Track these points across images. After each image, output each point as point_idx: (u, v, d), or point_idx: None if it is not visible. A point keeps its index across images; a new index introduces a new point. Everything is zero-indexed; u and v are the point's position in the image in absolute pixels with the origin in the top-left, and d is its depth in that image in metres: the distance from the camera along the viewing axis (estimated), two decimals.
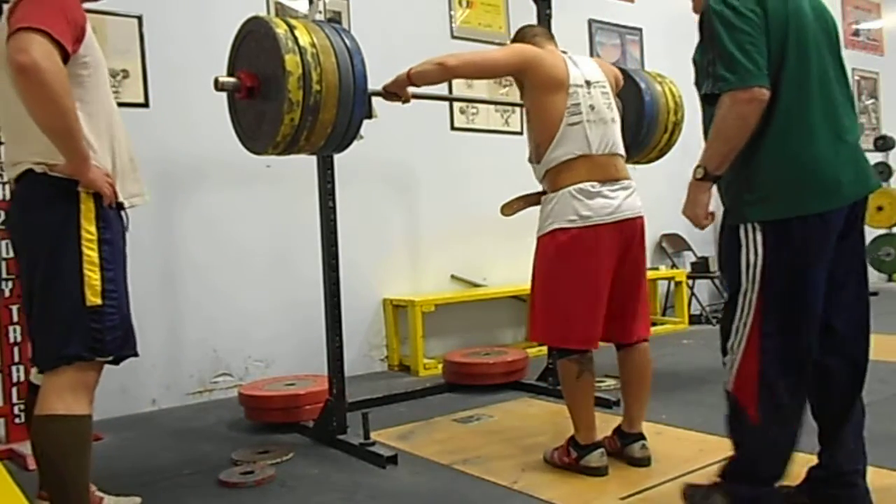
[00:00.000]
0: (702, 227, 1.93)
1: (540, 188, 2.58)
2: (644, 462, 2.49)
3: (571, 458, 2.46)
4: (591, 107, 2.43)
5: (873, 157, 7.59)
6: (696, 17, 1.91)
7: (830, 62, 1.87)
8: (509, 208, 2.69)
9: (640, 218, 2.49)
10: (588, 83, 2.46)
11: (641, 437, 2.53)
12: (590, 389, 2.48)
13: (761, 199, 1.81)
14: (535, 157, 2.52)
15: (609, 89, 2.53)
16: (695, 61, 1.94)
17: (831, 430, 1.95)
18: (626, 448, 2.54)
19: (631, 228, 2.45)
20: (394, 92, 2.66)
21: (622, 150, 2.51)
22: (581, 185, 2.38)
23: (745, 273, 1.83)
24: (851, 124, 1.88)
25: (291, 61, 2.23)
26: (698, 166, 1.84)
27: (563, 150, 2.41)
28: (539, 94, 2.45)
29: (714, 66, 1.77)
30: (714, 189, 1.91)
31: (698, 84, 1.90)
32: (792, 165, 1.80)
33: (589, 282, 2.40)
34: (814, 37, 1.83)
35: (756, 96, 1.73)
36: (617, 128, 2.51)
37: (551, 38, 2.69)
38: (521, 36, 2.68)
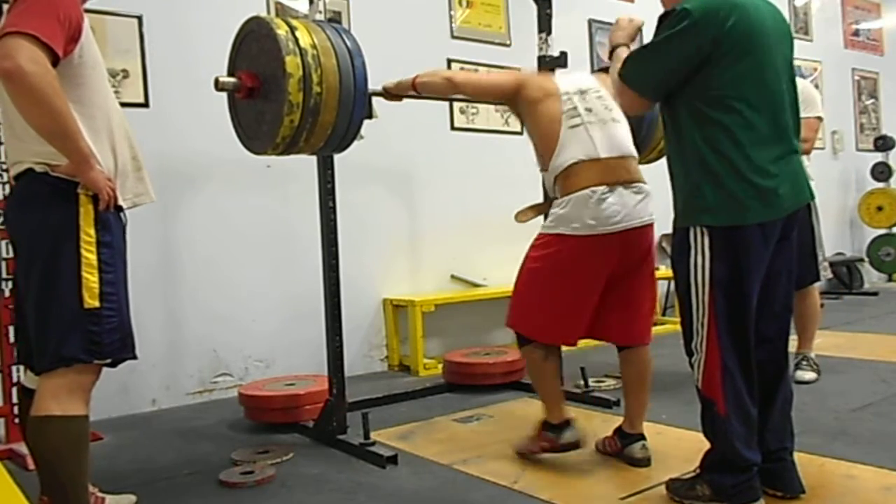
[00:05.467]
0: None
1: (550, 195, 2.59)
2: (644, 462, 2.50)
3: (549, 441, 2.51)
4: (589, 109, 2.44)
5: (873, 157, 7.60)
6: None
7: (785, 82, 2.05)
8: (524, 216, 2.73)
9: (649, 226, 2.45)
10: (581, 91, 2.48)
11: (642, 437, 2.54)
12: (555, 371, 2.58)
13: (710, 206, 1.98)
14: (542, 166, 2.53)
15: (605, 94, 2.51)
16: None
17: (759, 414, 2.06)
18: (626, 448, 2.54)
19: (638, 237, 2.41)
20: (395, 95, 2.69)
21: (633, 152, 2.48)
22: (590, 190, 2.34)
23: (693, 273, 2.02)
24: (794, 142, 2.06)
25: (292, 63, 2.22)
26: (622, 57, 2.16)
27: (568, 153, 2.39)
28: (534, 106, 2.48)
29: (633, 53, 2.10)
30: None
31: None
32: (739, 177, 1.96)
33: (578, 290, 2.42)
34: (771, 60, 2.00)
35: (632, 100, 2.09)
36: (622, 127, 2.49)
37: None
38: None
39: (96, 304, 1.84)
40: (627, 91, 2.10)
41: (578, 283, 2.42)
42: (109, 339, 1.87)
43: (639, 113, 2.27)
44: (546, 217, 2.51)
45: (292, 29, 2.29)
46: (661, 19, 2.03)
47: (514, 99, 2.56)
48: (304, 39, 2.28)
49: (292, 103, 2.25)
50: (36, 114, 1.72)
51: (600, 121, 2.43)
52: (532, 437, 2.58)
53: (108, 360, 1.90)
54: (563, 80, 2.55)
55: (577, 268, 2.40)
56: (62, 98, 1.73)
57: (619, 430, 2.61)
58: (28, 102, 1.70)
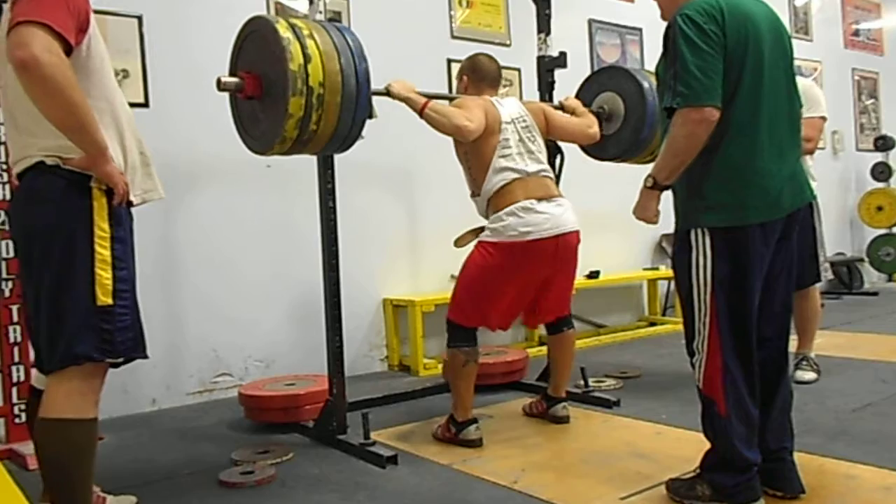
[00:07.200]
0: (654, 224, 2.12)
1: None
2: (565, 419, 3.01)
3: (452, 433, 2.81)
4: (519, 140, 2.80)
5: (873, 157, 7.60)
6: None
7: (783, 83, 2.03)
8: (462, 241, 2.93)
9: (577, 232, 2.81)
10: (513, 120, 2.82)
11: (564, 400, 3.05)
12: (472, 377, 2.81)
13: (711, 206, 1.98)
14: (475, 190, 2.85)
15: (530, 122, 2.87)
16: (657, 73, 2.09)
17: (759, 414, 2.06)
18: (550, 409, 3.05)
19: (567, 241, 2.77)
20: (400, 101, 2.77)
21: (551, 173, 2.90)
22: (522, 204, 2.70)
23: (695, 274, 2.01)
24: (793, 142, 2.06)
25: (296, 104, 2.20)
26: (649, 176, 2.02)
27: (499, 177, 2.75)
28: (485, 137, 2.75)
29: (674, 81, 1.91)
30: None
31: (661, 95, 2.05)
32: (740, 177, 1.96)
33: (517, 288, 2.78)
34: (769, 60, 1.98)
35: (706, 116, 1.89)
36: (542, 153, 2.86)
37: (496, 84, 3.02)
38: (471, 68, 3.00)
39: (109, 301, 1.79)
40: (691, 113, 1.88)
41: (515, 283, 2.77)
42: (122, 337, 1.82)
43: (710, 129, 1.91)
44: (488, 227, 2.77)
45: (306, 60, 2.20)
46: (667, 34, 1.99)
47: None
48: (315, 76, 2.21)
49: (285, 137, 2.28)
50: (51, 105, 1.66)
51: (527, 149, 2.80)
52: (442, 426, 2.87)
53: (121, 359, 1.85)
54: (502, 109, 2.84)
55: (515, 270, 2.73)
56: (78, 89, 1.68)
57: (545, 395, 3.10)
58: (43, 93, 1.64)
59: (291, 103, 2.19)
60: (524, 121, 2.86)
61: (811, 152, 3.53)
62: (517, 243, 2.68)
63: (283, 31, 2.24)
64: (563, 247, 2.76)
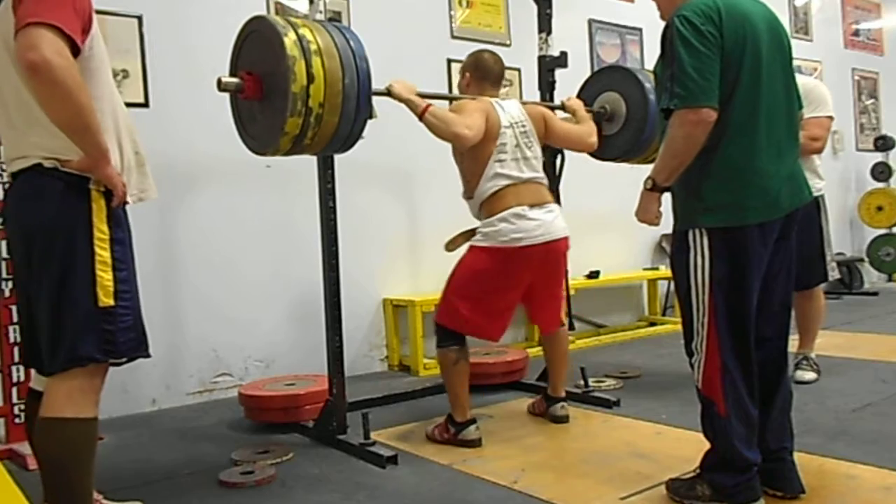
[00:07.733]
0: (656, 226, 2.12)
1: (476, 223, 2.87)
2: (563, 419, 3.01)
3: (450, 434, 2.80)
4: (516, 145, 2.80)
5: (873, 157, 7.60)
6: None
7: (781, 83, 2.03)
8: (453, 244, 2.93)
9: (566, 238, 2.85)
10: (512, 125, 2.81)
11: (563, 399, 3.06)
12: (465, 374, 2.83)
13: (709, 207, 1.98)
14: (468, 192, 2.85)
15: (529, 128, 2.87)
16: (655, 74, 2.09)
17: (759, 414, 2.06)
18: (550, 408, 3.06)
19: (556, 248, 2.81)
20: (400, 102, 2.75)
21: (545, 180, 2.91)
22: (514, 210, 2.71)
23: (693, 275, 2.01)
24: (792, 142, 2.06)
25: (293, 123, 2.21)
26: (648, 178, 2.03)
27: (493, 182, 2.76)
28: (482, 143, 2.73)
29: (671, 82, 1.91)
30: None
31: (658, 96, 2.05)
32: (739, 178, 1.97)
33: (504, 293, 2.80)
34: (767, 59, 1.98)
35: (703, 117, 1.89)
36: (538, 161, 2.88)
37: (499, 83, 3.00)
38: (474, 65, 2.97)
39: (111, 302, 1.80)
40: (688, 114, 1.89)
41: (505, 288, 2.79)
42: (124, 337, 1.83)
43: (707, 130, 1.92)
44: (480, 232, 2.78)
45: (309, 80, 2.18)
46: (664, 34, 1.99)
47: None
48: (316, 97, 2.20)
49: (279, 148, 2.32)
50: (60, 108, 1.66)
51: (523, 156, 2.80)
52: (440, 427, 2.85)
53: (124, 360, 1.86)
54: (501, 112, 2.82)
55: (505, 275, 2.75)
56: (86, 92, 1.68)
57: (545, 395, 3.11)
58: (53, 96, 1.64)
59: (288, 123, 2.20)
60: (523, 126, 2.85)
61: (819, 151, 3.52)
62: (508, 248, 2.70)
63: (290, 49, 2.19)
64: (552, 253, 2.79)
